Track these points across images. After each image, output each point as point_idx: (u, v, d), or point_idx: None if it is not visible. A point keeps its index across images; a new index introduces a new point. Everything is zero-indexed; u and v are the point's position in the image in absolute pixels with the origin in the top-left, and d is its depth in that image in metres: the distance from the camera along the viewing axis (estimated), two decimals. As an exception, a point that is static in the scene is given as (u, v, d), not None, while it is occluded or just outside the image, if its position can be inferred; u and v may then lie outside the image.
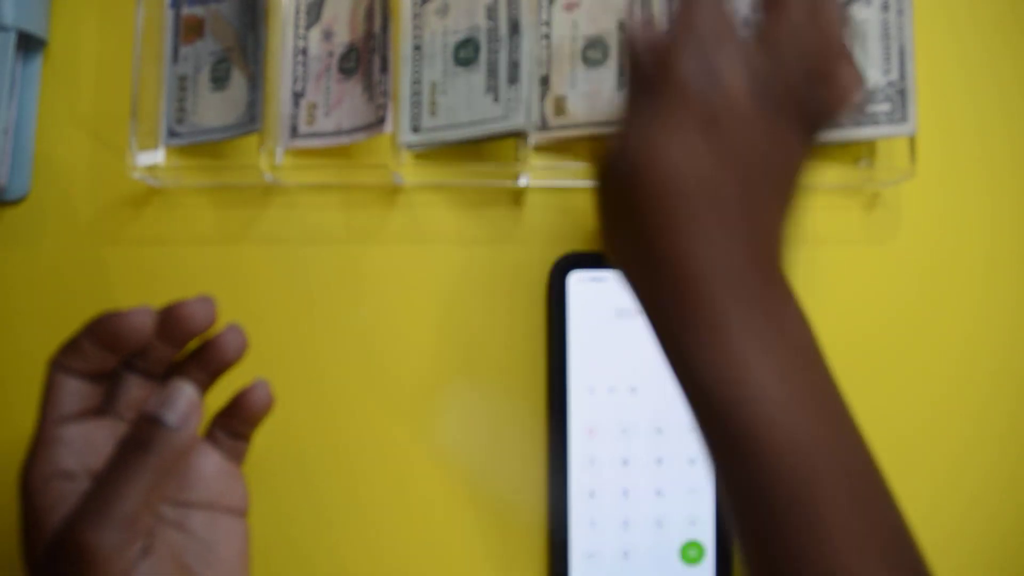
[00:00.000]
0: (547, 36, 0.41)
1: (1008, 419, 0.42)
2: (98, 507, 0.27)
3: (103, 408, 0.32)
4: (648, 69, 0.30)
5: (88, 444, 0.30)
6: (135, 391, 0.32)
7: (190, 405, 0.29)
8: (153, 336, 0.31)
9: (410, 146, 0.40)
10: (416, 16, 0.40)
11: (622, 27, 0.40)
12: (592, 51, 0.41)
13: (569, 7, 0.41)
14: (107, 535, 0.27)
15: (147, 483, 0.28)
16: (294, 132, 0.41)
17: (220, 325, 0.41)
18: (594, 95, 0.40)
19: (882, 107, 0.40)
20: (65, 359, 0.30)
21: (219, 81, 0.41)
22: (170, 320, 0.31)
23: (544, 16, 0.41)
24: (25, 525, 0.29)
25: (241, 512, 0.34)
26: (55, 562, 0.27)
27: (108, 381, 0.32)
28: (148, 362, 0.32)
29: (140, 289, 0.41)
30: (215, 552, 0.32)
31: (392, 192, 0.42)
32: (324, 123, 0.41)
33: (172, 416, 0.29)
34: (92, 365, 0.31)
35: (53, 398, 0.30)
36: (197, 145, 0.41)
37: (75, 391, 0.30)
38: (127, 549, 0.27)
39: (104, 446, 0.30)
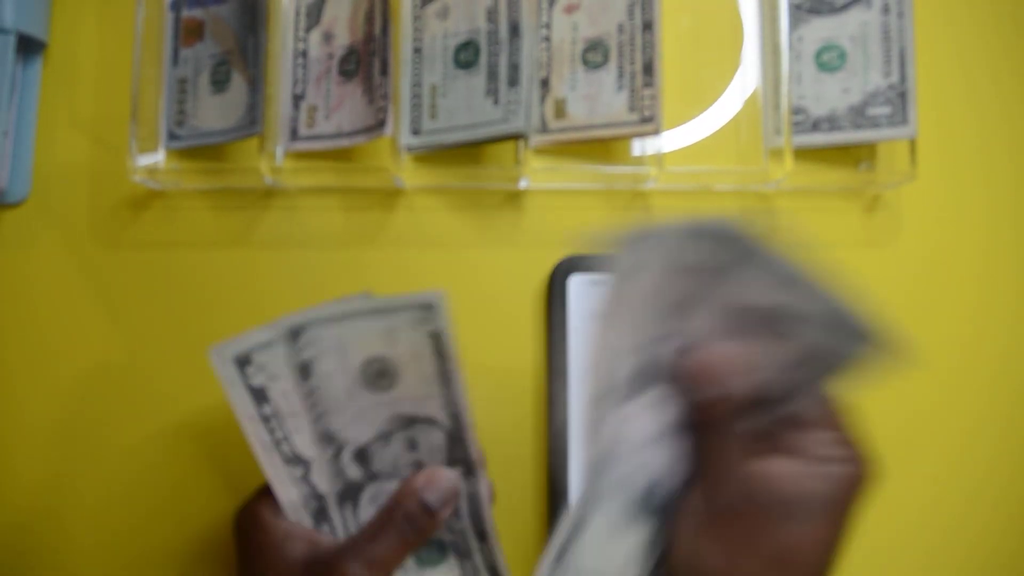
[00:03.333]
0: (547, 39, 0.41)
1: (1006, 419, 0.42)
2: (359, 549, 0.32)
3: None
4: None
5: None
6: None
7: (451, 494, 0.34)
8: None
9: (410, 149, 0.40)
10: (416, 19, 0.40)
11: (621, 29, 0.40)
12: (592, 53, 0.41)
13: (569, 9, 0.41)
14: (359, 569, 0.32)
15: (400, 543, 0.33)
16: (294, 135, 0.41)
17: (217, 327, 0.41)
18: (594, 97, 0.40)
19: (883, 110, 0.40)
20: None
21: (219, 84, 0.40)
22: None
23: (544, 18, 0.41)
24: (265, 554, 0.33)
25: None
26: None
27: None
28: None
29: (140, 292, 0.41)
30: None
31: (392, 195, 0.42)
32: (324, 126, 0.40)
33: (436, 501, 0.33)
34: None
35: None
36: (197, 148, 0.41)
37: None
38: None
39: None
